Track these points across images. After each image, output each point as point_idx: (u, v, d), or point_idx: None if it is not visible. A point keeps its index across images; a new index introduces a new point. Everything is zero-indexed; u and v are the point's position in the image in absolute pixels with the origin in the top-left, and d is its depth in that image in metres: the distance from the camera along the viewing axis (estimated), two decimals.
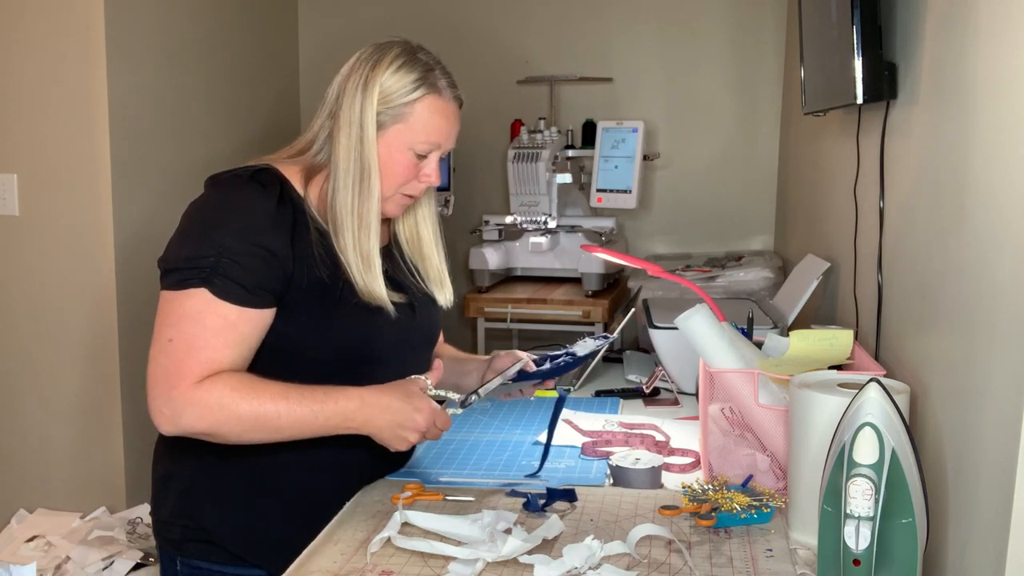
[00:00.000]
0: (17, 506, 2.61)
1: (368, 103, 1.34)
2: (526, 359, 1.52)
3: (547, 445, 1.52)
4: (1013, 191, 0.99)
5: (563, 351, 1.54)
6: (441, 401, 1.38)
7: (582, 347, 1.54)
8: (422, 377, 1.37)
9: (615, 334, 1.60)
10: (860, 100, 1.46)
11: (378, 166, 1.35)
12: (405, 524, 1.26)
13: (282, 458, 1.34)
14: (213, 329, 1.25)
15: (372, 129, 1.34)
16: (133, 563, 2.35)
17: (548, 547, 1.20)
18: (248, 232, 1.28)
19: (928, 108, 1.34)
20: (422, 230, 1.51)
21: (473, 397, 1.40)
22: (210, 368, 1.25)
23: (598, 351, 1.54)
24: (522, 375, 1.50)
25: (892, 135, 1.51)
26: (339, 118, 1.35)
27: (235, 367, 1.27)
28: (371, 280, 1.35)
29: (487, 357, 1.58)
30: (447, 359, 1.60)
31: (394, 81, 1.34)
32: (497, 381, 1.44)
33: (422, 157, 1.38)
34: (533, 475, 1.47)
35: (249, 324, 1.28)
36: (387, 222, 1.50)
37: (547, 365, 1.52)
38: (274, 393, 1.26)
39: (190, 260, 1.27)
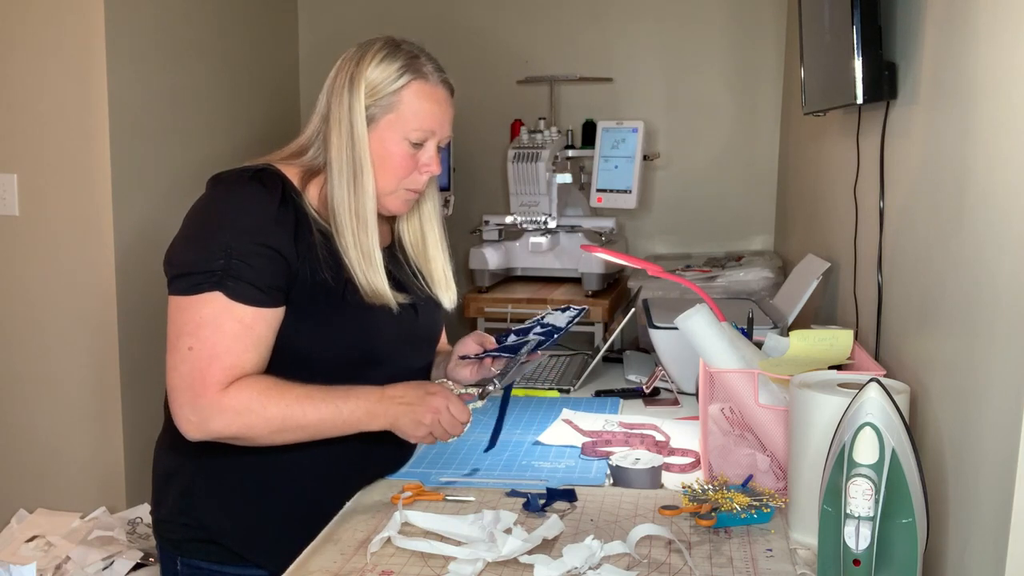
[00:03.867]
0: (17, 506, 2.61)
1: (356, 99, 1.34)
2: (491, 339, 1.54)
3: (498, 424, 1.50)
4: (1013, 191, 0.99)
5: (534, 322, 1.55)
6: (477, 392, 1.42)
7: (555, 318, 1.54)
8: (446, 381, 1.42)
9: (586, 307, 1.60)
10: (860, 100, 1.46)
11: (371, 162, 1.35)
12: (405, 524, 1.26)
13: (282, 458, 1.34)
14: (232, 334, 1.26)
15: (362, 125, 1.34)
16: (133, 563, 2.35)
17: (548, 547, 1.20)
18: (253, 232, 1.28)
19: (928, 108, 1.34)
20: (427, 230, 1.51)
21: (490, 387, 1.42)
22: (233, 373, 1.25)
23: (577, 315, 1.55)
24: (521, 347, 1.50)
25: (892, 135, 1.51)
26: (330, 119, 1.36)
27: (256, 369, 1.29)
28: (373, 275, 1.35)
29: (451, 348, 1.59)
30: (443, 357, 1.60)
31: (379, 72, 1.34)
32: (516, 371, 1.45)
33: (418, 146, 1.38)
34: (486, 450, 1.50)
35: (265, 324, 1.29)
36: (390, 221, 1.50)
37: (536, 331, 1.51)
38: (298, 394, 1.27)
39: (199, 264, 1.27)
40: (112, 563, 2.34)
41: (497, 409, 1.49)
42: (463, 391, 1.41)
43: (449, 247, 1.54)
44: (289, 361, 1.32)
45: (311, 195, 1.38)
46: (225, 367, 1.25)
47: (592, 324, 2.73)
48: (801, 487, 1.23)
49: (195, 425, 1.26)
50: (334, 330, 1.35)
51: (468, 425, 1.38)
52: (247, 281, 1.26)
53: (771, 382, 1.38)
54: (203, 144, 2.91)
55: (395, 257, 1.48)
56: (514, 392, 1.85)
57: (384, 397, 1.32)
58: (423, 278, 1.51)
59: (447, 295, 1.52)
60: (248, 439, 1.28)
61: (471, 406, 1.39)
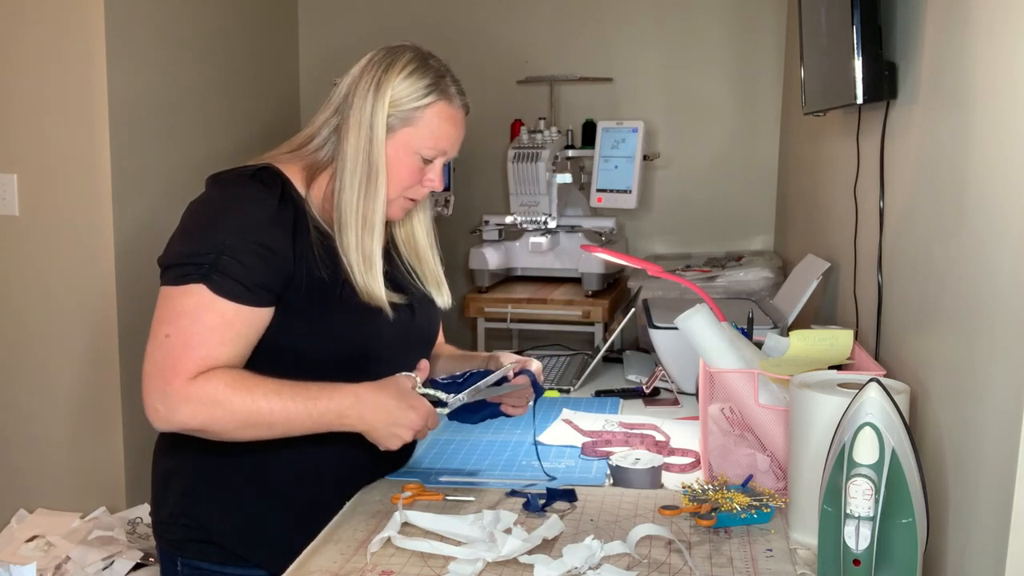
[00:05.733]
0: (17, 506, 2.61)
1: (380, 105, 1.34)
2: (510, 368, 1.48)
3: (535, 442, 1.52)
4: (1013, 191, 0.99)
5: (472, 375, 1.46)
6: (435, 402, 1.37)
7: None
8: (412, 375, 1.36)
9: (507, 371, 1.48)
10: (860, 100, 1.46)
11: (385, 168, 1.36)
12: (405, 524, 1.26)
13: (282, 458, 1.34)
14: (210, 326, 1.25)
15: (382, 131, 1.35)
16: (133, 563, 2.35)
17: (548, 547, 1.20)
18: (249, 230, 1.28)
19: (928, 108, 1.34)
20: (418, 233, 1.51)
21: (454, 400, 1.38)
22: (205, 365, 1.25)
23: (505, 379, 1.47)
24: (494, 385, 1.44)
25: (892, 135, 1.51)
26: (349, 118, 1.36)
27: (231, 364, 1.27)
28: (371, 280, 1.36)
29: (486, 354, 1.58)
30: (446, 358, 1.60)
31: (406, 86, 1.35)
32: (481, 384, 1.41)
33: (427, 162, 1.39)
34: (550, 479, 1.45)
35: (246, 322, 1.28)
36: (385, 225, 1.50)
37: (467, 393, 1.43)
38: (267, 390, 1.26)
39: (190, 257, 1.27)
40: (112, 563, 2.34)
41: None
42: (431, 392, 1.37)
43: (439, 247, 1.55)
44: (285, 360, 1.32)
45: (314, 193, 1.38)
46: (197, 357, 1.24)
47: (592, 324, 2.73)
48: (801, 487, 1.23)
49: (161, 415, 1.24)
50: (331, 329, 1.35)
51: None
52: (233, 277, 1.26)
53: (771, 382, 1.38)
54: (203, 144, 2.91)
55: (391, 257, 1.49)
56: None
57: (359, 400, 1.30)
58: (418, 277, 1.51)
59: (440, 295, 1.52)
60: (214, 433, 1.26)
61: (441, 412, 1.36)
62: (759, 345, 1.48)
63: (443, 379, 1.44)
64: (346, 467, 1.40)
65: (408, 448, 1.53)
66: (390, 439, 1.33)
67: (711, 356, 1.43)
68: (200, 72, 2.91)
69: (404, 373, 1.36)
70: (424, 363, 1.40)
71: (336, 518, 1.32)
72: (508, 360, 1.51)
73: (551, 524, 1.24)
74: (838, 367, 1.37)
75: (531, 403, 1.50)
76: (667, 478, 1.45)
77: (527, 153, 2.82)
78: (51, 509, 2.61)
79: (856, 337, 1.50)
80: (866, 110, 1.67)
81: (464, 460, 1.55)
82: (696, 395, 1.80)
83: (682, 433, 1.69)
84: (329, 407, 1.28)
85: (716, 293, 2.52)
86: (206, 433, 1.27)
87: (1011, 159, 1.00)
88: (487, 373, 1.45)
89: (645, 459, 1.45)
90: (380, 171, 1.35)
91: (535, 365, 1.50)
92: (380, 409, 1.31)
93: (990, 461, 1.02)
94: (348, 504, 1.37)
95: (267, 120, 3.33)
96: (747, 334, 1.66)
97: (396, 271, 1.47)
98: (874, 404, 1.02)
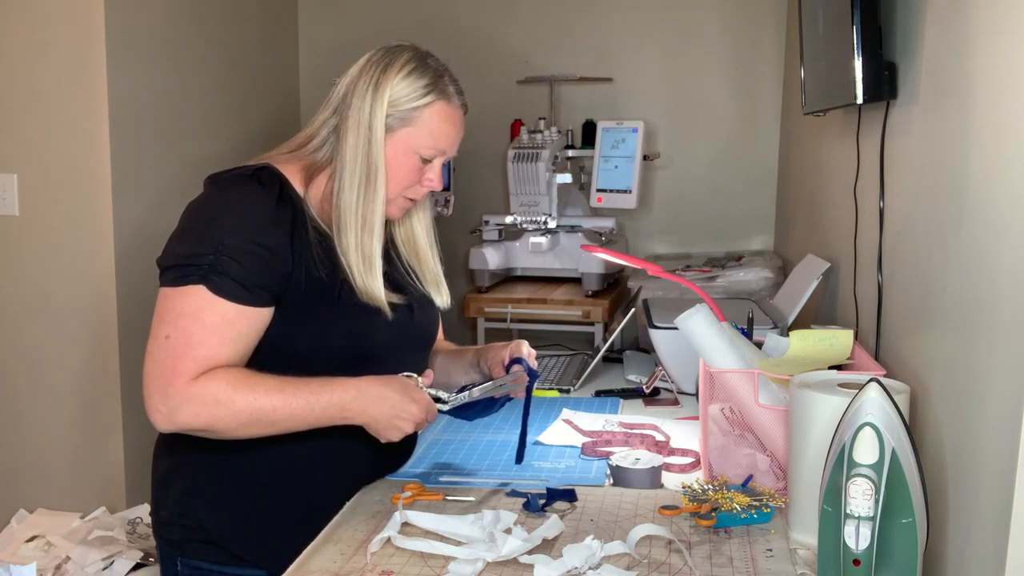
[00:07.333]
0: (17, 506, 2.61)
1: (378, 105, 1.35)
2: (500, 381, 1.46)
3: (523, 433, 1.49)
4: (1012, 191, 0.99)
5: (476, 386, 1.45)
6: (435, 399, 1.38)
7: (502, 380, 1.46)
8: (414, 375, 1.38)
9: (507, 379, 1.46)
10: (860, 100, 1.46)
11: (384, 168, 1.36)
12: (405, 524, 1.26)
13: (282, 458, 1.34)
14: (211, 327, 1.25)
15: (381, 131, 1.35)
16: (133, 563, 2.35)
17: (548, 547, 1.20)
18: (247, 230, 1.28)
19: (928, 108, 1.34)
20: (417, 233, 1.52)
21: (464, 395, 1.38)
22: (206, 365, 1.25)
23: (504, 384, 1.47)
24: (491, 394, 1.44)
25: (892, 135, 1.51)
26: (347, 118, 1.36)
27: (232, 365, 1.28)
28: (371, 281, 1.36)
29: (476, 348, 1.58)
30: (442, 355, 1.60)
31: (404, 85, 1.35)
32: (477, 391, 1.41)
33: (426, 162, 1.39)
34: (517, 463, 1.47)
35: (247, 322, 1.28)
36: (384, 224, 1.50)
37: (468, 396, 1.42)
38: (269, 387, 1.26)
39: (189, 257, 1.27)
40: (112, 563, 2.34)
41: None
42: (433, 392, 1.38)
43: (439, 247, 1.55)
44: (285, 360, 1.32)
45: (312, 193, 1.38)
46: (198, 358, 1.24)
47: (592, 324, 2.73)
48: (801, 487, 1.23)
49: (164, 415, 1.24)
50: (329, 329, 1.35)
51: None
52: (232, 277, 1.26)
53: (771, 382, 1.38)
54: (203, 144, 2.91)
55: (390, 257, 1.49)
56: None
57: (361, 393, 1.31)
58: (417, 277, 1.51)
59: (440, 295, 1.52)
60: (217, 432, 1.27)
61: (441, 408, 1.38)
62: (759, 345, 1.48)
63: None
64: (346, 462, 1.40)
65: (408, 447, 1.53)
66: (391, 431, 1.34)
67: (711, 356, 1.43)
68: (200, 72, 2.91)
69: (405, 373, 1.37)
70: (429, 372, 1.42)
71: (336, 518, 1.32)
72: (496, 354, 1.51)
73: (551, 524, 1.24)
74: (838, 367, 1.37)
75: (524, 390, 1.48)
76: (667, 478, 1.45)
77: (527, 153, 2.82)
78: (51, 509, 2.61)
79: (856, 337, 1.50)
80: (866, 110, 1.67)
81: (464, 460, 1.55)
82: (696, 395, 1.80)
83: (682, 433, 1.69)
84: (331, 401, 1.29)
85: (716, 293, 2.52)
86: (209, 433, 1.27)
87: (1011, 159, 1.00)
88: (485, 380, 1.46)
89: (645, 459, 1.45)
90: (379, 171, 1.35)
91: (525, 349, 1.50)
92: (383, 401, 1.31)
93: (990, 461, 1.02)
94: (348, 504, 1.37)
95: (267, 120, 3.33)
96: (747, 334, 1.66)
97: (395, 271, 1.47)
98: (874, 404, 1.02)
